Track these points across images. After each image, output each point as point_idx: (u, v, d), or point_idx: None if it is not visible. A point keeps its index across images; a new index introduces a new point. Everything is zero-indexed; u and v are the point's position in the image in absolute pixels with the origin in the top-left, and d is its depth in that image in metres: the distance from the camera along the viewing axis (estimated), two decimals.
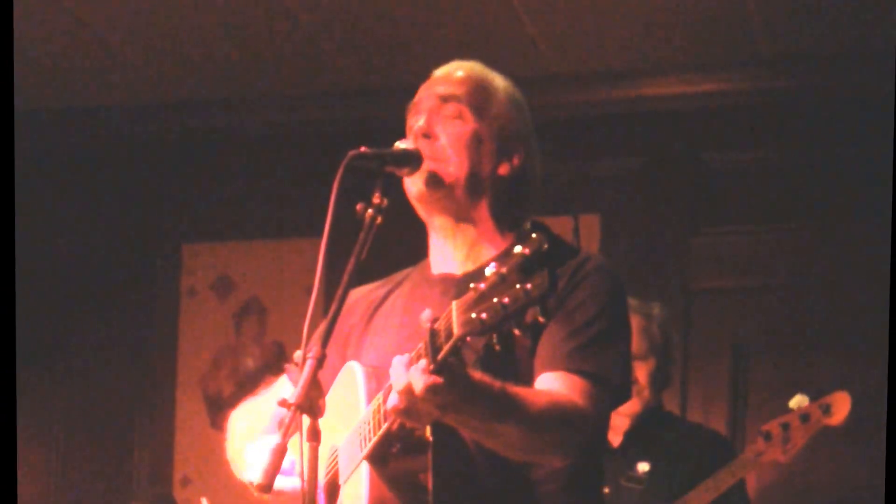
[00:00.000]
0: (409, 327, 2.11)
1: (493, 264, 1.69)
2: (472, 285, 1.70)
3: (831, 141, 4.60)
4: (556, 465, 2.09)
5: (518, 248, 1.67)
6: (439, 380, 1.78)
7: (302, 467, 1.88)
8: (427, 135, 2.21)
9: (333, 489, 2.13)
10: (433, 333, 1.77)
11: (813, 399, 3.44)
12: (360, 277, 2.13)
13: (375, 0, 4.35)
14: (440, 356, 1.76)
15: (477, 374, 1.87)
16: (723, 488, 3.43)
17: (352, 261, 2.03)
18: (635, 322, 2.99)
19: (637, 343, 3.42)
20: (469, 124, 2.22)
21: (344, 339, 2.30)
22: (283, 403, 1.90)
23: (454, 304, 1.73)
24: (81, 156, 5.34)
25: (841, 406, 3.42)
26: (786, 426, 3.41)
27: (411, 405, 1.82)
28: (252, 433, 2.33)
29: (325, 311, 2.04)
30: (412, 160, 2.17)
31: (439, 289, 2.20)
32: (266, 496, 1.90)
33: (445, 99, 2.24)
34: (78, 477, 5.22)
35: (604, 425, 2.23)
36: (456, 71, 2.29)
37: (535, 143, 2.29)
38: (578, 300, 2.10)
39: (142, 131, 5.25)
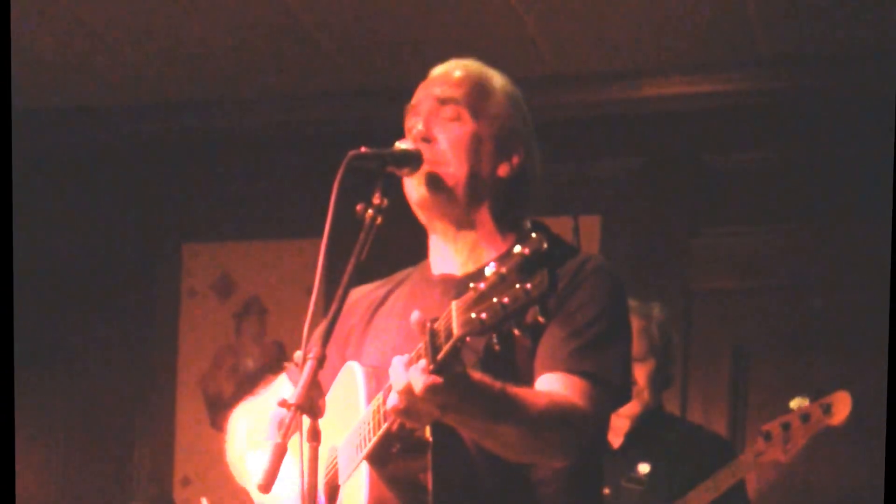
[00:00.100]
0: (409, 328, 2.11)
1: (492, 264, 1.69)
2: (471, 285, 1.70)
3: (831, 141, 4.60)
4: (556, 466, 2.09)
5: (518, 249, 1.67)
6: (439, 380, 1.78)
7: (302, 467, 1.88)
8: (426, 138, 2.20)
9: (333, 489, 2.13)
10: (433, 333, 1.77)
11: (813, 399, 3.44)
12: (361, 277, 2.13)
13: (375, 0, 4.35)
14: (440, 356, 1.76)
15: (477, 375, 1.87)
16: (723, 488, 3.43)
17: (352, 261, 2.03)
18: (634, 323, 2.98)
19: (636, 344, 3.42)
20: (467, 126, 2.22)
21: (344, 339, 2.30)
22: (283, 404, 1.90)
23: (454, 304, 1.73)
24: (81, 156, 5.34)
25: (842, 406, 3.41)
26: (786, 426, 3.41)
27: (411, 405, 1.82)
28: (252, 436, 2.33)
29: (325, 312, 2.04)
30: (412, 160, 2.17)
31: (439, 289, 2.20)
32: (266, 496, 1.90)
33: (443, 101, 2.23)
34: (78, 477, 5.23)
35: (604, 426, 2.23)
36: (454, 71, 2.28)
37: (534, 142, 2.29)
38: (579, 301, 2.10)
39: (142, 131, 5.26)
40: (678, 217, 4.77)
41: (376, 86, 4.86)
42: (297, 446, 1.89)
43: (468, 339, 1.73)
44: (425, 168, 2.18)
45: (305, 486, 1.88)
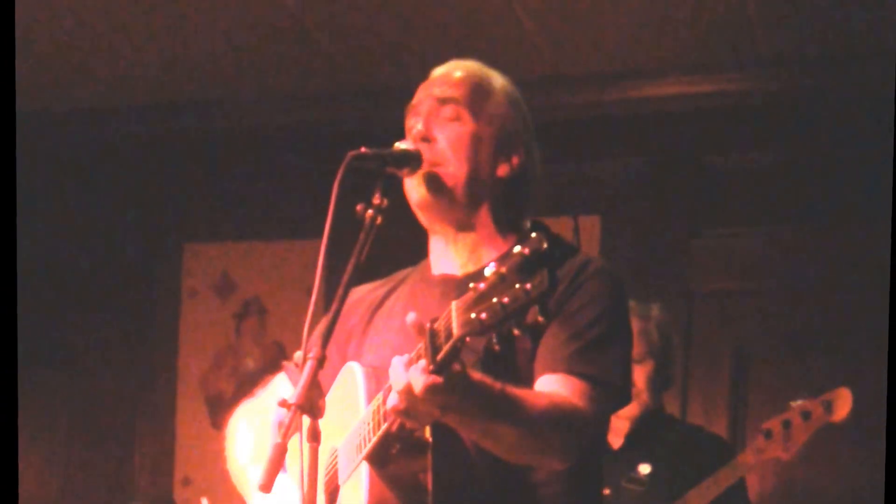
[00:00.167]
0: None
1: (492, 264, 1.69)
2: (471, 285, 1.70)
3: (832, 142, 4.60)
4: (556, 468, 2.08)
5: (518, 249, 1.67)
6: (439, 380, 1.78)
7: (302, 468, 1.88)
8: (426, 138, 2.20)
9: (333, 490, 2.13)
10: (433, 334, 1.77)
11: (814, 397, 3.43)
12: (361, 277, 2.13)
13: (376, 1, 4.35)
14: (440, 356, 1.76)
15: (476, 375, 1.87)
16: (724, 486, 3.43)
17: (352, 261, 2.03)
18: (633, 325, 2.98)
19: (634, 346, 3.41)
20: (467, 126, 2.22)
21: (344, 339, 2.30)
22: (283, 404, 1.90)
23: (454, 304, 1.73)
24: (82, 156, 5.34)
25: (843, 403, 3.40)
26: (787, 424, 3.40)
27: (411, 405, 1.82)
28: (254, 449, 2.33)
29: (326, 312, 2.04)
30: (412, 161, 2.17)
31: (439, 289, 2.20)
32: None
33: (443, 101, 2.23)
34: (79, 477, 5.23)
35: (604, 428, 2.23)
36: (454, 71, 2.29)
37: (534, 143, 2.29)
38: (580, 302, 2.10)
39: (143, 131, 5.26)
40: (678, 218, 4.77)
41: (376, 86, 4.86)
42: (297, 446, 1.89)
43: (468, 339, 1.73)
44: (425, 168, 2.18)
45: (305, 487, 1.88)
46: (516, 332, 1.70)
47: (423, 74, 2.33)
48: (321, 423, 1.91)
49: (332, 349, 2.03)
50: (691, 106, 4.76)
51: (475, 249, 2.23)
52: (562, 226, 2.25)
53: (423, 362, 1.79)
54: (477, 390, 1.86)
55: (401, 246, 2.44)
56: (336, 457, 2.15)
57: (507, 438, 1.94)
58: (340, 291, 2.01)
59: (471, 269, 2.20)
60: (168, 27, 4.54)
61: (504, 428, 1.92)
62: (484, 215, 2.23)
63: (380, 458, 2.01)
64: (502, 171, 2.23)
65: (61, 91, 5.04)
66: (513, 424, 1.92)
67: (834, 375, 4.18)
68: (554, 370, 2.06)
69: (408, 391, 1.80)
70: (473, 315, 1.68)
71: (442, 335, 1.76)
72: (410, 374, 1.79)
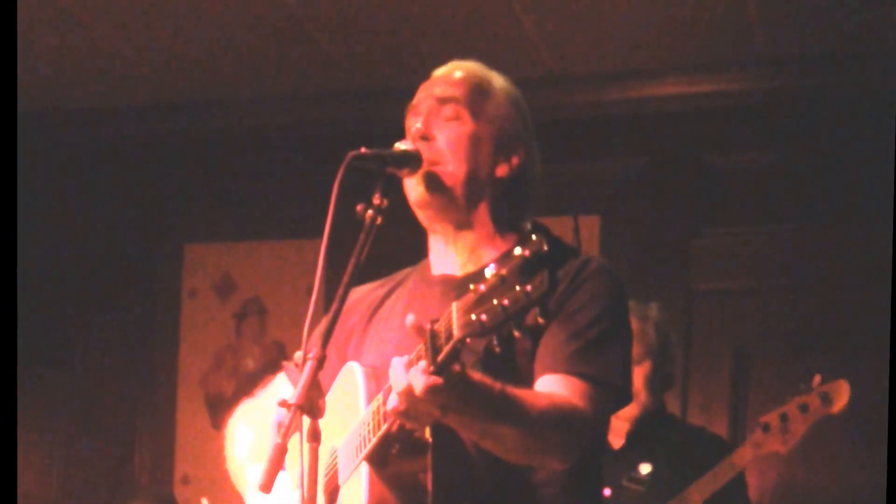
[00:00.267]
0: None
1: (492, 266, 1.69)
2: (472, 287, 1.70)
3: (832, 141, 4.60)
4: (556, 468, 2.08)
5: (518, 250, 1.67)
6: (439, 381, 1.78)
7: (302, 468, 1.88)
8: (425, 137, 2.20)
9: (333, 490, 2.13)
10: (433, 335, 1.77)
11: (811, 390, 3.43)
12: (361, 277, 2.13)
13: (376, 1, 4.35)
14: (440, 357, 1.76)
15: (477, 376, 1.87)
16: (722, 481, 3.42)
17: (352, 261, 2.03)
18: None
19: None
20: (467, 125, 2.22)
21: (344, 340, 2.30)
22: (283, 404, 1.90)
23: (454, 305, 1.73)
24: (83, 156, 5.34)
25: (840, 394, 3.39)
26: (784, 417, 3.40)
27: (411, 406, 1.82)
28: (253, 448, 2.33)
29: (326, 312, 2.04)
30: (412, 161, 2.17)
31: (439, 290, 2.20)
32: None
33: (443, 101, 2.23)
34: (79, 476, 5.23)
35: (604, 428, 2.23)
36: (454, 72, 2.28)
37: (534, 143, 2.29)
38: (579, 302, 2.10)
39: (143, 131, 5.26)
40: (678, 217, 4.77)
41: (376, 86, 4.86)
42: (297, 446, 1.89)
43: (468, 340, 1.73)
44: (424, 167, 2.18)
45: (305, 487, 1.88)
46: (517, 333, 1.70)
47: (424, 74, 2.33)
48: (321, 423, 1.91)
49: (331, 349, 2.03)
50: (691, 106, 4.76)
51: (475, 249, 2.22)
52: (562, 226, 2.24)
53: (423, 363, 1.78)
54: (477, 391, 1.86)
55: (401, 246, 2.44)
56: (336, 457, 2.15)
57: (508, 439, 1.94)
58: (340, 291, 2.01)
59: (470, 269, 2.20)
60: (168, 27, 4.54)
61: (504, 428, 1.92)
62: (483, 215, 2.22)
63: (380, 458, 2.00)
64: (501, 171, 2.23)
65: (61, 91, 5.04)
66: (513, 425, 1.92)
67: (834, 375, 4.18)
68: (554, 370, 2.06)
69: (408, 392, 1.80)
70: (474, 316, 1.68)
71: (442, 336, 1.76)
72: (411, 375, 1.79)
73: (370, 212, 2.06)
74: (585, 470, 2.15)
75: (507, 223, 2.23)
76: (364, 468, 2.03)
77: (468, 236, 2.23)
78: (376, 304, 2.33)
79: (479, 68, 2.30)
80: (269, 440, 2.17)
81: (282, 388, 2.32)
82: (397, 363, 1.83)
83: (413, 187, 2.19)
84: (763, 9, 4.28)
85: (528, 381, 2.06)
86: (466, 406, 1.86)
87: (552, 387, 2.04)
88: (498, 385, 1.89)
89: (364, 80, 4.88)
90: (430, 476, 2.01)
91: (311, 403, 1.88)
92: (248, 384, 2.53)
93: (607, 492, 3.41)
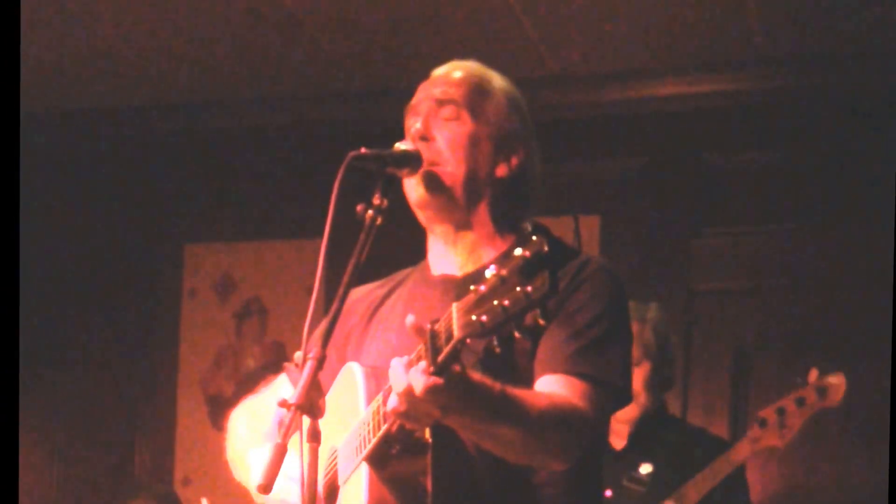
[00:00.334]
0: None
1: (493, 266, 1.68)
2: (472, 287, 1.70)
3: (833, 141, 4.60)
4: (557, 468, 2.08)
5: (518, 251, 1.66)
6: (439, 381, 1.77)
7: (302, 468, 1.88)
8: (424, 137, 2.20)
9: (333, 490, 2.13)
10: (433, 335, 1.77)
11: (808, 384, 3.43)
12: (361, 277, 2.13)
13: (376, 1, 4.35)
14: (440, 358, 1.76)
15: (477, 376, 1.87)
16: (720, 477, 3.42)
17: (352, 261, 2.03)
18: None
19: None
20: (466, 126, 2.22)
21: (344, 340, 2.29)
22: (283, 404, 1.89)
23: (454, 305, 1.72)
24: (84, 157, 5.34)
25: (836, 388, 3.39)
26: (781, 411, 3.40)
27: (411, 407, 1.82)
28: (252, 435, 2.33)
29: (326, 312, 2.04)
30: (412, 161, 2.16)
31: (439, 290, 2.20)
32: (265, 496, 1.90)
33: (442, 101, 2.23)
34: (79, 476, 5.23)
35: (604, 428, 2.23)
36: (454, 72, 2.28)
37: (534, 143, 2.29)
38: (579, 302, 2.10)
39: (144, 132, 5.26)
40: (679, 217, 4.77)
41: (376, 86, 4.86)
42: (297, 446, 1.89)
43: (468, 341, 1.73)
44: (424, 167, 2.18)
45: (305, 487, 1.88)
46: (517, 334, 1.69)
47: (424, 74, 2.33)
48: (321, 423, 1.91)
49: (331, 349, 2.03)
50: (691, 106, 4.76)
51: (474, 249, 2.22)
52: (562, 226, 2.24)
53: (423, 364, 1.78)
54: (477, 391, 1.86)
55: (401, 246, 2.44)
56: (336, 457, 2.15)
57: (508, 439, 1.94)
58: (340, 291, 2.01)
59: (470, 269, 2.19)
60: (168, 27, 4.54)
61: (504, 429, 1.92)
62: (483, 215, 2.22)
63: (380, 458, 2.00)
64: (501, 171, 2.23)
65: (61, 91, 5.04)
66: (513, 425, 1.92)
67: (833, 372, 4.18)
68: (554, 370, 2.06)
69: (408, 393, 1.80)
70: (474, 317, 1.68)
71: (442, 337, 1.75)
72: (411, 376, 1.79)
73: (370, 212, 2.06)
74: (586, 470, 2.15)
75: (506, 223, 2.23)
76: (364, 468, 2.03)
77: (468, 236, 2.23)
78: (376, 305, 2.33)
79: (479, 68, 2.30)
80: (268, 427, 2.17)
81: (283, 387, 2.32)
82: (397, 363, 1.82)
83: (413, 187, 2.19)
84: (763, 9, 4.28)
85: (528, 382, 2.06)
86: (467, 406, 1.85)
87: (552, 387, 2.04)
88: (498, 385, 1.89)
89: (364, 80, 4.88)
90: (430, 476, 2.00)
91: (310, 403, 1.88)
92: (249, 384, 2.53)
93: (608, 493, 3.41)
